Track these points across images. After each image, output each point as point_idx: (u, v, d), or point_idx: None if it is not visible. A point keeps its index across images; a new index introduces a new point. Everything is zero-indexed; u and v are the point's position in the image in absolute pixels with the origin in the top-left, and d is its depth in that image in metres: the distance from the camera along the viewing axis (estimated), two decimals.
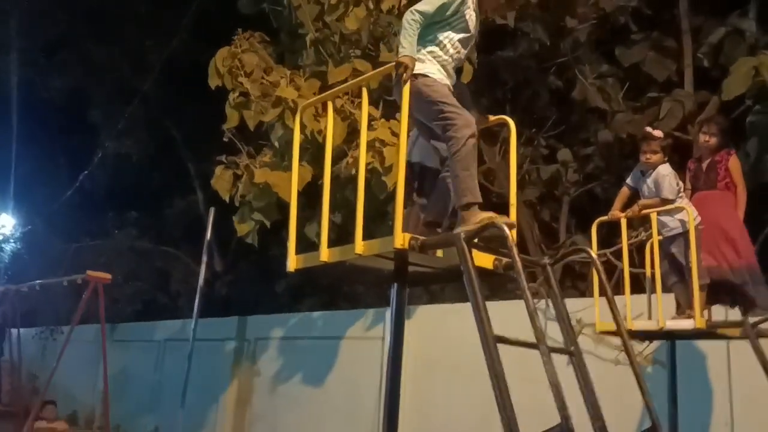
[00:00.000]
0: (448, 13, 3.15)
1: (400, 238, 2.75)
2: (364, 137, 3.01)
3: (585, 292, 8.09)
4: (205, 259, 9.85)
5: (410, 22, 3.05)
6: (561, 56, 8.47)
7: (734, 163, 4.88)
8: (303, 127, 5.61)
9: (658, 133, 4.74)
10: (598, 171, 9.16)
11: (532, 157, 9.65)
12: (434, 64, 3.17)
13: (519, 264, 2.45)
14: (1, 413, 10.78)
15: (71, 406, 12.84)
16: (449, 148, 3.00)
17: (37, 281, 9.61)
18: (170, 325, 11.98)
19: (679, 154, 6.45)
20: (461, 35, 3.23)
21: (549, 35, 7.92)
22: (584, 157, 9.06)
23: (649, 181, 4.74)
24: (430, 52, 3.18)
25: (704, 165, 4.91)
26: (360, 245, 2.89)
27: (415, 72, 3.00)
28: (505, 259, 2.99)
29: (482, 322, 2.48)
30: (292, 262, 3.17)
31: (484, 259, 2.93)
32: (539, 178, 9.48)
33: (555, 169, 9.23)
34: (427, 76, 3.11)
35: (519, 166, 9.96)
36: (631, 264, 5.17)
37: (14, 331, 10.66)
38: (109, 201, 14.80)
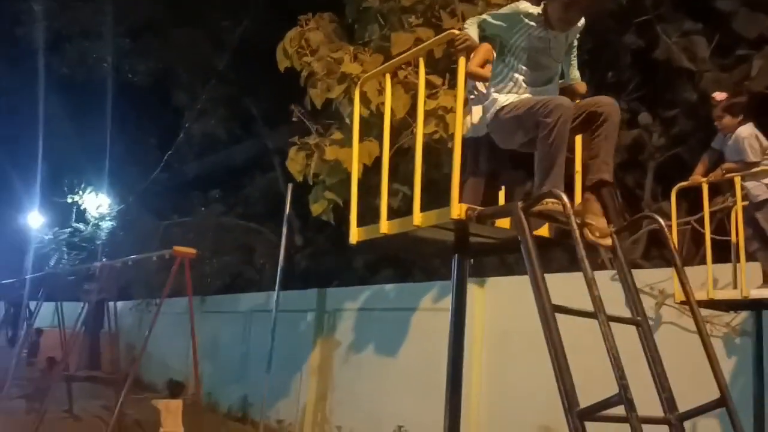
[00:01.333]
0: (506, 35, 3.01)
1: (457, 209, 2.75)
2: (421, 109, 3.00)
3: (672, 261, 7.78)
4: (285, 234, 10.16)
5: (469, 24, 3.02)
6: (642, 14, 8.04)
7: None
8: (368, 101, 5.62)
9: (719, 95, 4.46)
10: (684, 134, 8.70)
11: None
12: (506, 96, 3.03)
13: (577, 233, 2.39)
14: (103, 380, 11.61)
15: (167, 374, 13.66)
16: (539, 132, 2.82)
17: (130, 257, 10.19)
18: (255, 297, 12.45)
19: None
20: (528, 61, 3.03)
21: None
22: (668, 120, 8.62)
23: (731, 143, 4.48)
24: (499, 90, 3.05)
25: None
26: (418, 216, 2.91)
27: (490, 114, 2.97)
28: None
29: (539, 291, 2.45)
30: (354, 234, 3.23)
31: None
32: (621, 143, 9.11)
33: (637, 134, 8.83)
34: (503, 107, 3.01)
35: None
36: (721, 232, 4.92)
37: (111, 304, 11.39)
38: (196, 179, 15.43)
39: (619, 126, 2.93)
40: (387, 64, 3.28)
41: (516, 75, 3.01)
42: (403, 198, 8.15)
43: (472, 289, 8.29)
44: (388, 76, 3.17)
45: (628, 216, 8.98)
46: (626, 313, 6.13)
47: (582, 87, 3.36)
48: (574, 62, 3.37)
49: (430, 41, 3.19)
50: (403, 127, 6.35)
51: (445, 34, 2.96)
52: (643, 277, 6.47)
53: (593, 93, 9.87)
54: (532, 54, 2.99)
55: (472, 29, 2.96)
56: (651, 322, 6.47)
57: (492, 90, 3.04)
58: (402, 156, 7.13)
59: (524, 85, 3.02)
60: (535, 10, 3.00)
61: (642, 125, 8.58)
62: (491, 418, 7.54)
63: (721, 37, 7.71)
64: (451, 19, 6.51)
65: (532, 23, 2.97)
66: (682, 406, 2.60)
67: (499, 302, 7.70)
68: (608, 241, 2.75)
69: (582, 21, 3.13)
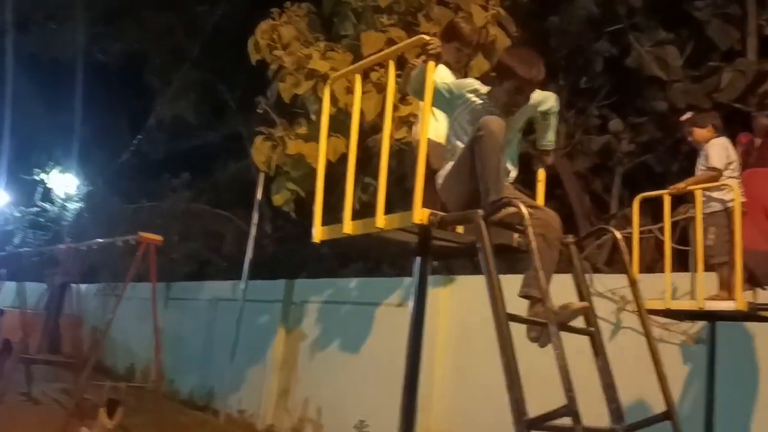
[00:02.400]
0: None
1: (419, 214, 2.76)
2: (389, 111, 3.00)
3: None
4: (254, 223, 10.11)
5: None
6: (616, 23, 8.14)
7: None
8: (335, 100, 5.61)
9: (685, 117, 4.58)
10: (653, 142, 8.85)
11: (585, 126, 9.40)
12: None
13: (534, 243, 2.42)
14: (63, 364, 11.43)
15: (129, 359, 13.51)
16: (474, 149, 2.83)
17: (95, 240, 10.04)
18: (221, 286, 12.35)
19: (741, 127, 6.16)
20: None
21: (601, 2, 7.62)
22: (638, 127, 8.76)
23: (702, 155, 4.59)
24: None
25: (757, 141, 4.68)
26: (381, 219, 2.92)
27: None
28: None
29: (495, 299, 2.48)
30: (318, 233, 3.22)
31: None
32: (591, 148, 9.24)
33: (607, 140, 8.97)
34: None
35: (571, 136, 9.80)
36: (685, 241, 5.01)
37: (75, 287, 11.22)
38: (166, 164, 15.24)
39: (559, 240, 2.92)
40: (357, 64, 3.28)
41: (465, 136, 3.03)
42: (374, 192, 8.16)
43: (439, 288, 8.35)
44: (357, 77, 3.16)
45: (595, 221, 9.14)
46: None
47: (548, 158, 3.40)
48: (549, 129, 3.35)
49: (401, 45, 3.19)
50: (374, 130, 6.37)
51: (416, 38, 2.96)
52: (606, 282, 6.59)
53: (567, 98, 9.88)
54: (479, 116, 3.01)
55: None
56: (612, 327, 6.63)
57: (454, 139, 3.05)
58: (375, 157, 7.13)
59: None
60: (484, 89, 3.08)
61: (612, 131, 8.71)
62: (454, 414, 7.62)
63: (693, 48, 7.85)
64: (428, 22, 6.50)
65: (478, 99, 3.05)
66: (643, 409, 2.65)
67: (465, 301, 7.76)
68: (582, 304, 2.79)
69: (535, 98, 3.15)
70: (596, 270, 7.14)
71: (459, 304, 7.85)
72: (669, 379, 5.93)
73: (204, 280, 13.46)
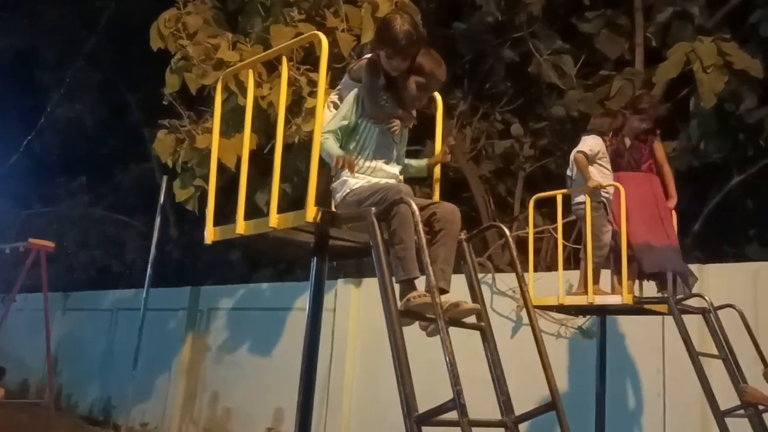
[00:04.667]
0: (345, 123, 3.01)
1: (312, 212, 2.72)
2: (282, 107, 2.95)
3: (537, 267, 8.21)
4: (157, 226, 9.72)
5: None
6: (517, 30, 8.43)
7: (659, 147, 4.96)
8: (244, 90, 5.48)
9: None
10: (552, 146, 9.22)
11: (489, 131, 9.67)
12: (355, 180, 2.99)
13: (423, 241, 2.44)
14: None
15: (22, 374, 12.69)
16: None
17: None
18: (123, 294, 11.85)
19: None
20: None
21: (504, 8, 7.86)
22: (538, 132, 9.10)
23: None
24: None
25: (627, 142, 4.96)
26: (274, 218, 2.86)
27: (339, 196, 2.97)
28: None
29: (387, 297, 2.49)
30: (210, 234, 3.13)
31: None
32: (495, 152, 9.51)
33: (509, 144, 9.26)
34: (351, 191, 2.97)
35: (476, 140, 10.06)
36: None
37: None
38: (61, 166, 14.43)
39: (458, 233, 2.92)
40: (251, 59, 3.21)
41: (364, 156, 3.02)
42: (283, 195, 8.05)
43: (349, 289, 8.34)
44: (251, 72, 3.09)
45: (499, 222, 9.40)
46: (493, 315, 6.36)
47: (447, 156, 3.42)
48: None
49: (294, 40, 3.16)
50: (285, 122, 6.28)
51: (308, 35, 2.93)
52: (508, 281, 6.80)
53: (471, 103, 10.07)
54: (377, 136, 3.03)
55: (330, 142, 2.92)
56: (513, 324, 6.82)
57: (342, 172, 2.98)
58: (284, 151, 7.02)
59: (372, 165, 3.03)
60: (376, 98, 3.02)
61: (514, 136, 8.99)
62: (363, 415, 7.63)
63: (586, 57, 8.23)
64: (335, 18, 6.50)
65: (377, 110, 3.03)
66: (544, 401, 2.69)
67: (377, 302, 7.76)
68: (471, 307, 2.76)
69: None
70: (499, 270, 7.34)
71: (370, 305, 7.88)
72: (566, 373, 6.19)
73: (105, 289, 12.85)
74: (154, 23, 6.62)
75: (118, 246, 13.87)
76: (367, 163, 3.03)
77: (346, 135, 3.03)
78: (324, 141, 2.91)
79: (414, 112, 3.20)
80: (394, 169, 3.14)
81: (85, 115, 13.48)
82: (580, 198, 4.74)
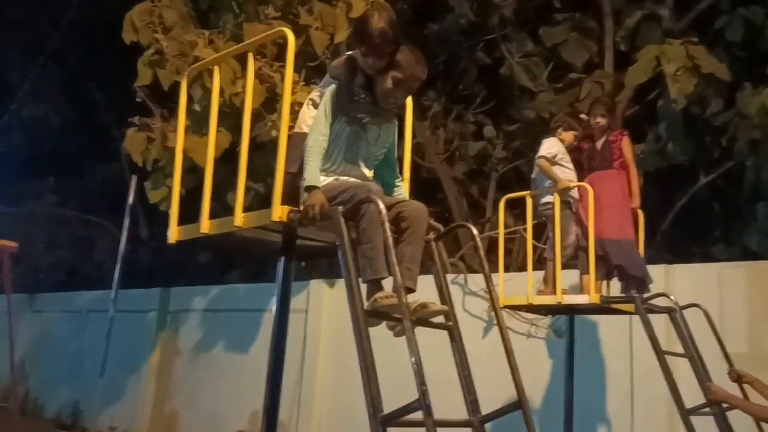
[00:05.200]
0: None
1: (278, 211, 2.70)
2: (249, 104, 2.91)
3: (508, 267, 8.27)
4: (126, 227, 9.58)
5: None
6: (490, 33, 8.48)
7: (627, 144, 5.03)
8: (221, 90, 5.41)
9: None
10: (525, 148, 9.29)
11: (462, 133, 9.71)
12: (325, 177, 2.90)
13: (390, 240, 2.43)
14: None
15: None
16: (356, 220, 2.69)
17: None
18: (91, 296, 11.64)
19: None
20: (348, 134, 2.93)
21: (476, 11, 7.90)
22: (510, 134, 9.16)
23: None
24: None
25: (598, 145, 5.04)
26: (239, 217, 2.82)
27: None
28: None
29: (353, 297, 2.47)
30: (173, 233, 3.07)
31: None
32: (468, 154, 9.55)
33: (483, 146, 9.30)
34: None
35: (449, 142, 10.09)
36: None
37: None
38: (28, 166, 14.10)
39: (425, 231, 2.86)
40: (216, 56, 3.17)
41: (335, 154, 2.93)
42: (255, 195, 7.97)
43: (322, 290, 8.31)
44: (216, 69, 3.05)
45: (472, 223, 9.44)
46: (465, 316, 6.37)
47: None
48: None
49: (259, 36, 3.11)
50: (256, 119, 6.22)
51: (275, 30, 2.91)
52: (480, 281, 6.83)
53: (445, 104, 10.07)
54: (348, 135, 2.93)
55: (312, 167, 2.81)
56: (484, 324, 6.85)
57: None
58: (256, 151, 6.96)
59: (342, 164, 2.95)
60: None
61: (487, 138, 9.04)
62: (335, 416, 7.60)
63: (557, 60, 8.31)
64: (309, 16, 6.47)
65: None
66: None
67: (345, 303, 7.76)
68: (438, 308, 2.73)
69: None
70: (471, 270, 7.37)
71: (343, 306, 7.82)
72: (537, 372, 6.23)
73: (73, 291, 12.61)
74: (127, 14, 6.48)
75: (87, 247, 13.62)
76: (336, 164, 2.95)
77: None
78: (307, 161, 2.79)
79: (394, 112, 3.10)
80: (365, 169, 3.04)
81: (51, 114, 13.21)
82: (547, 199, 4.79)
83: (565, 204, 4.73)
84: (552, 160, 4.80)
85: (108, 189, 13.30)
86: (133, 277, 10.98)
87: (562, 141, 5.00)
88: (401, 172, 3.28)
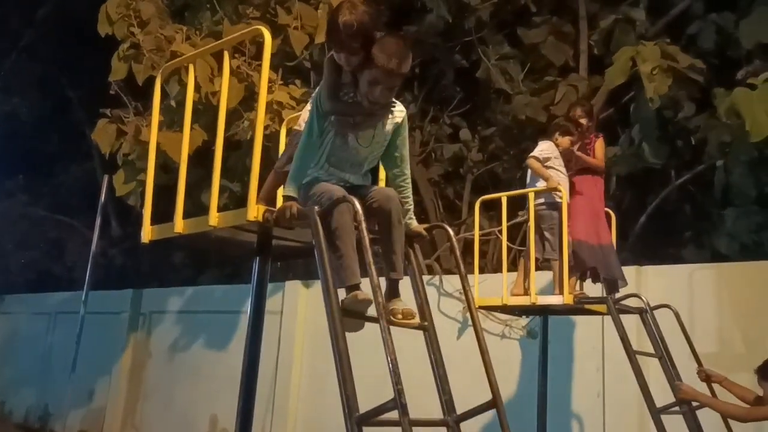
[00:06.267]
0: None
1: (254, 210, 2.68)
2: (224, 102, 2.89)
3: (484, 269, 8.31)
4: (97, 228, 9.43)
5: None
6: (466, 35, 8.51)
7: (599, 145, 5.09)
8: (197, 86, 5.36)
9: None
10: (500, 151, 9.35)
11: (438, 135, 9.74)
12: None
13: (366, 240, 2.43)
14: None
15: None
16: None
17: None
18: (62, 297, 11.45)
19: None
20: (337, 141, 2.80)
21: (454, 13, 7.93)
22: (486, 136, 9.21)
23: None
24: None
25: (575, 147, 5.09)
26: (214, 217, 2.80)
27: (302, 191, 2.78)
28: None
29: (329, 297, 2.46)
30: (147, 233, 3.03)
31: None
32: (444, 155, 9.59)
33: (458, 148, 9.35)
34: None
35: (425, 144, 10.12)
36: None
37: None
38: None
39: (399, 217, 2.75)
40: (190, 54, 3.14)
41: (324, 157, 2.82)
42: (231, 195, 7.90)
43: (297, 291, 8.26)
44: (191, 67, 3.02)
45: (447, 224, 9.49)
46: (440, 317, 6.37)
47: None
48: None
49: (235, 35, 3.09)
50: (232, 120, 6.17)
51: (250, 29, 2.89)
52: (456, 283, 6.85)
53: (421, 106, 10.08)
54: (333, 140, 2.81)
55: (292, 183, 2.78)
56: (459, 325, 6.88)
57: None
58: (232, 150, 6.91)
59: (331, 167, 2.84)
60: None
61: (462, 140, 9.08)
62: (309, 418, 7.56)
63: (533, 62, 8.38)
64: (287, 15, 6.44)
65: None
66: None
67: (322, 304, 7.73)
68: (415, 321, 2.68)
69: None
70: (447, 271, 7.40)
71: (319, 307, 7.80)
72: (511, 372, 6.26)
73: (44, 292, 12.39)
74: (102, 6, 6.38)
75: (59, 248, 13.39)
76: (323, 170, 2.82)
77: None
78: (292, 169, 2.76)
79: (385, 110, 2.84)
80: (350, 175, 2.87)
81: (22, 111, 12.96)
82: (541, 199, 4.81)
83: (553, 206, 4.75)
84: (543, 163, 4.80)
85: (80, 189, 13.10)
86: (105, 278, 10.83)
87: (557, 145, 5.01)
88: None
